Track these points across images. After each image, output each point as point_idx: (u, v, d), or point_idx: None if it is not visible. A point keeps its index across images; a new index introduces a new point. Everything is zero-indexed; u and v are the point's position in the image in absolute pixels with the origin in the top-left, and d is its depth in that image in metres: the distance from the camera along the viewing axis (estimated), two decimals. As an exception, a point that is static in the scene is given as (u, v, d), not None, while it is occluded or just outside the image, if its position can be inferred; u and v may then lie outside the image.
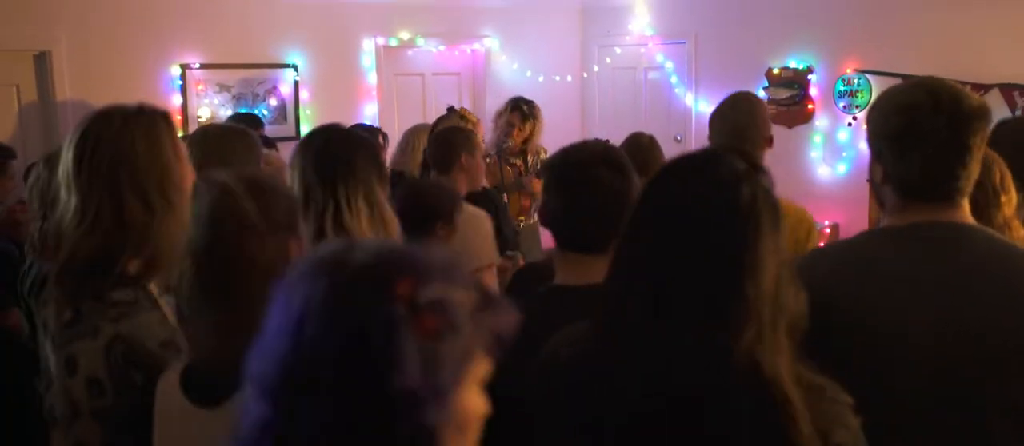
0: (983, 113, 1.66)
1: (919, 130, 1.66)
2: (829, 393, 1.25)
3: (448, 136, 3.73)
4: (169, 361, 1.59)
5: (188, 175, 1.78)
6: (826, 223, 6.25)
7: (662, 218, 1.27)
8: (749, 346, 1.19)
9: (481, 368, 0.92)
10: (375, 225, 2.23)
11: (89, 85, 5.51)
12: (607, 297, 1.33)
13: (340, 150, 2.25)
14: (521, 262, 3.54)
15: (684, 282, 1.23)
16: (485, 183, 4.02)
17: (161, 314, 1.69)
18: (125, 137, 1.69)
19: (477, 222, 3.16)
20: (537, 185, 4.99)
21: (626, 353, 1.26)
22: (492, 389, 0.95)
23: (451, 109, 5.04)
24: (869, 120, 1.78)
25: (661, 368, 1.22)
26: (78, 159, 1.68)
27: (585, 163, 1.84)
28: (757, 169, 1.27)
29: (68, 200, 1.69)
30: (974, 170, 1.68)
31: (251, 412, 0.90)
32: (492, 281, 3.09)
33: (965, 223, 1.70)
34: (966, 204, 1.71)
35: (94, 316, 1.63)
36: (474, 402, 0.92)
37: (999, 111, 5.47)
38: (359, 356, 0.85)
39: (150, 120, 1.74)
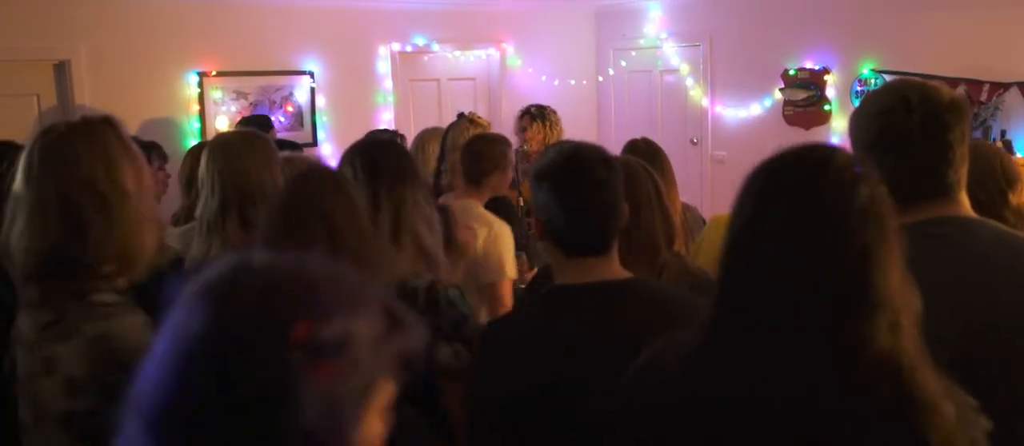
0: (956, 106, 1.68)
1: (894, 133, 1.68)
2: (956, 394, 1.23)
3: (486, 150, 3.52)
4: None
5: (143, 173, 1.79)
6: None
7: (787, 217, 1.23)
8: (887, 342, 1.17)
9: (385, 394, 0.88)
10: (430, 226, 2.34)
11: (108, 93, 5.57)
12: (725, 300, 1.28)
13: (392, 157, 2.42)
14: (526, 267, 3.52)
15: (815, 284, 1.19)
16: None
17: (144, 318, 1.69)
18: (67, 145, 1.71)
19: (503, 237, 3.15)
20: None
21: (751, 356, 1.23)
22: (498, 389, 0.93)
23: (462, 115, 5.02)
24: (849, 128, 1.80)
25: (794, 369, 1.20)
26: (26, 173, 1.71)
27: (587, 166, 1.80)
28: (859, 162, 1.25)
29: (17, 212, 1.71)
30: (961, 163, 1.69)
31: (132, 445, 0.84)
32: (507, 292, 3.07)
33: (968, 217, 1.71)
34: (965, 198, 1.72)
35: (76, 317, 1.63)
36: (375, 429, 0.88)
37: (1019, 109, 5.44)
38: (251, 403, 0.79)
39: (91, 127, 1.76)
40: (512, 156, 3.62)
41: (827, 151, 1.25)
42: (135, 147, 1.82)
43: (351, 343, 0.83)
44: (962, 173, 1.70)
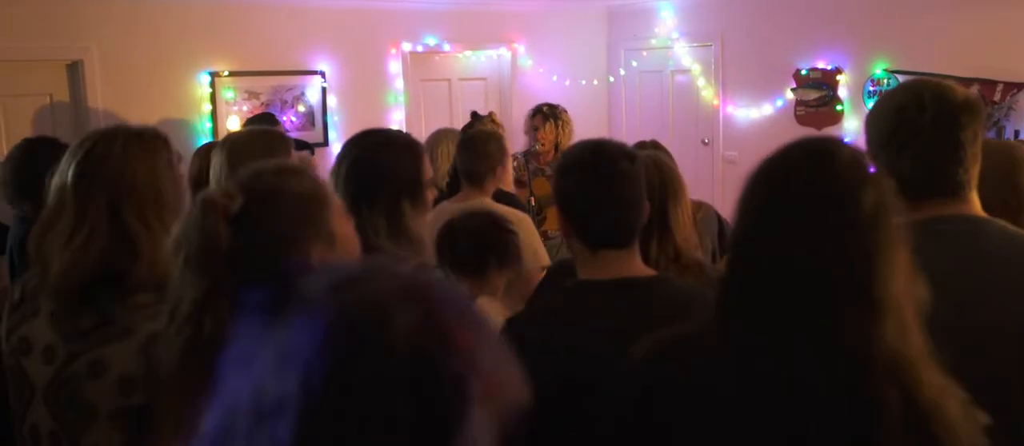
0: (969, 106, 1.70)
1: (907, 131, 1.70)
2: (953, 387, 1.23)
3: (482, 149, 3.54)
4: None
5: (182, 196, 1.81)
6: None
7: (790, 223, 1.22)
8: (894, 341, 1.18)
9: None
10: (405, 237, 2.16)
11: (120, 93, 5.59)
12: (728, 298, 1.29)
13: (379, 162, 2.17)
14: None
15: (821, 284, 1.20)
16: (505, 186, 3.98)
17: None
18: (125, 160, 1.72)
19: (528, 225, 3.17)
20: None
21: (755, 355, 1.23)
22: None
23: (475, 115, 5.02)
24: (864, 127, 1.82)
25: (802, 371, 1.20)
26: (79, 176, 1.71)
27: (612, 160, 1.83)
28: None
29: (60, 212, 1.71)
30: (972, 163, 1.70)
31: None
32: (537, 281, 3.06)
33: (977, 216, 1.72)
34: (975, 197, 1.73)
35: (125, 317, 1.65)
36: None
37: (1032, 110, 5.41)
38: (437, 418, 0.71)
39: (151, 145, 1.78)
40: (507, 146, 3.64)
41: (831, 147, 1.25)
42: (179, 171, 1.85)
43: (500, 359, 0.77)
44: (973, 172, 1.71)
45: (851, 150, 1.24)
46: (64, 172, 1.73)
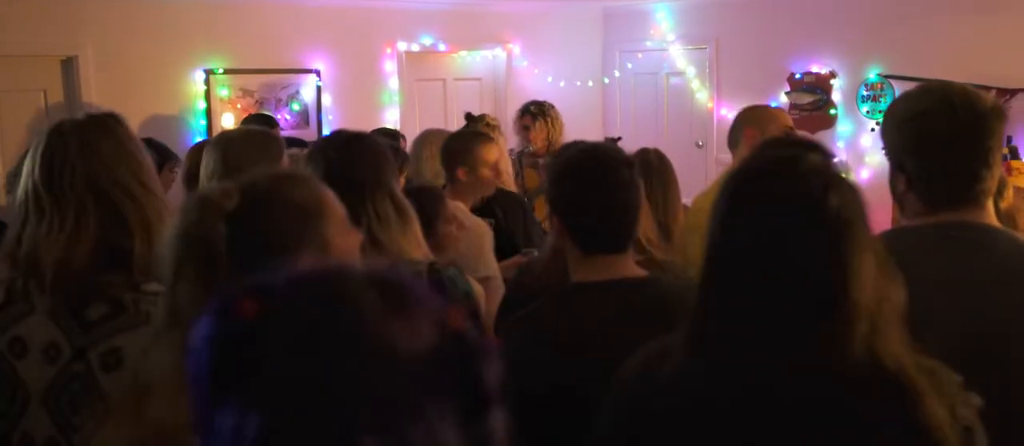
0: (999, 113, 1.67)
1: (938, 138, 1.65)
2: (942, 374, 1.23)
3: (450, 146, 3.58)
4: None
5: (152, 168, 1.80)
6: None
7: (756, 229, 1.23)
8: (866, 341, 1.17)
9: None
10: (405, 231, 2.21)
11: (115, 90, 5.58)
12: (704, 305, 1.29)
13: (357, 163, 2.22)
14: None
15: (789, 290, 1.20)
16: (504, 185, 3.95)
17: None
18: (87, 141, 1.70)
19: (481, 233, 3.16)
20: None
21: (732, 361, 1.23)
22: (512, 385, 0.91)
23: (470, 116, 5.01)
24: (884, 131, 1.77)
25: (774, 377, 1.20)
26: (48, 170, 1.67)
27: (610, 165, 1.82)
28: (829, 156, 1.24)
29: (38, 212, 1.67)
30: (996, 170, 1.68)
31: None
32: (494, 293, 3.03)
33: (990, 224, 1.70)
34: (990, 205, 1.71)
35: (140, 305, 1.61)
36: None
37: (1024, 116, 5.43)
38: (479, 406, 0.76)
39: (103, 122, 1.76)
40: (482, 148, 3.56)
41: (797, 152, 1.24)
42: (140, 143, 1.82)
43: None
44: (994, 180, 1.68)
45: (819, 153, 1.23)
46: (30, 172, 1.69)
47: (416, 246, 2.25)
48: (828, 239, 1.19)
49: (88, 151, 1.68)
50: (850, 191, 1.22)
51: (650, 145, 3.58)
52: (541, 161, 5.18)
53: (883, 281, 1.21)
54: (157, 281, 1.63)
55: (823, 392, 1.19)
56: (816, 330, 1.19)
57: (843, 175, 1.23)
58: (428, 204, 2.72)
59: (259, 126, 3.23)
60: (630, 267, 1.86)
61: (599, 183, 1.81)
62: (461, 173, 3.47)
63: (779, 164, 1.24)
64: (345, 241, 1.48)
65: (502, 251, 3.33)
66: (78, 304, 1.62)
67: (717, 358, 1.25)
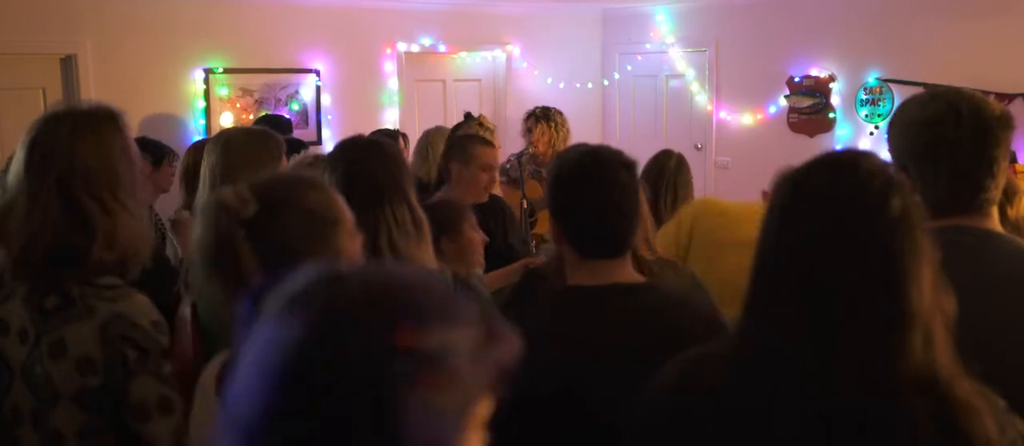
0: (1006, 122, 1.65)
1: (944, 145, 1.64)
2: (989, 394, 1.20)
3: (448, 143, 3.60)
4: (161, 341, 1.68)
5: (138, 177, 1.83)
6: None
7: (814, 231, 1.18)
8: (920, 354, 1.14)
9: (484, 409, 0.83)
10: (419, 237, 2.23)
11: (114, 88, 5.56)
12: (753, 312, 1.24)
13: (378, 168, 2.25)
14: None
15: (845, 294, 1.16)
16: (496, 192, 3.94)
17: (149, 298, 1.74)
18: (73, 139, 1.73)
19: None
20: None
21: (781, 374, 1.19)
22: (507, 390, 0.91)
23: (469, 116, 5.02)
24: (890, 135, 1.76)
25: (825, 386, 1.16)
26: (29, 159, 1.73)
27: (610, 169, 1.79)
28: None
29: (17, 199, 1.73)
30: (1001, 178, 1.67)
31: None
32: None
33: (990, 229, 1.69)
34: (995, 212, 1.70)
35: (88, 298, 1.68)
36: (474, 445, 0.83)
37: None
38: (355, 416, 0.75)
39: (101, 125, 1.78)
40: (475, 151, 3.56)
41: (855, 157, 1.21)
42: (134, 149, 1.85)
43: (452, 353, 0.78)
44: (1000, 188, 1.68)
45: (874, 159, 1.21)
46: (19, 158, 1.75)
47: (430, 259, 2.26)
48: (889, 242, 1.15)
49: (63, 145, 1.73)
50: (910, 195, 1.18)
51: (649, 147, 3.58)
52: (543, 173, 5.16)
53: (938, 291, 1.17)
54: (116, 272, 1.72)
55: (877, 404, 1.14)
56: (871, 338, 1.14)
57: (902, 181, 1.20)
58: (444, 219, 2.71)
59: (267, 128, 3.20)
60: (627, 272, 1.82)
61: (593, 185, 1.77)
62: (454, 168, 3.51)
63: (837, 168, 1.21)
64: (354, 248, 1.51)
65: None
66: (41, 293, 1.71)
67: (765, 366, 1.21)
